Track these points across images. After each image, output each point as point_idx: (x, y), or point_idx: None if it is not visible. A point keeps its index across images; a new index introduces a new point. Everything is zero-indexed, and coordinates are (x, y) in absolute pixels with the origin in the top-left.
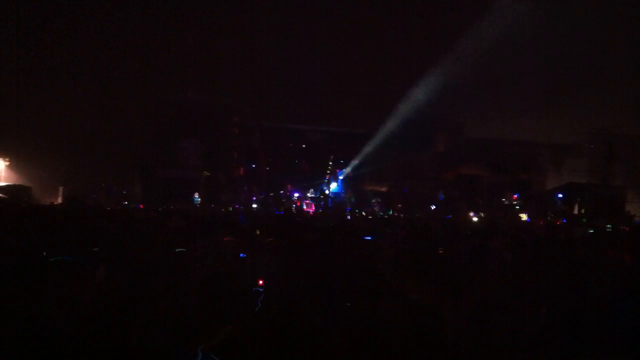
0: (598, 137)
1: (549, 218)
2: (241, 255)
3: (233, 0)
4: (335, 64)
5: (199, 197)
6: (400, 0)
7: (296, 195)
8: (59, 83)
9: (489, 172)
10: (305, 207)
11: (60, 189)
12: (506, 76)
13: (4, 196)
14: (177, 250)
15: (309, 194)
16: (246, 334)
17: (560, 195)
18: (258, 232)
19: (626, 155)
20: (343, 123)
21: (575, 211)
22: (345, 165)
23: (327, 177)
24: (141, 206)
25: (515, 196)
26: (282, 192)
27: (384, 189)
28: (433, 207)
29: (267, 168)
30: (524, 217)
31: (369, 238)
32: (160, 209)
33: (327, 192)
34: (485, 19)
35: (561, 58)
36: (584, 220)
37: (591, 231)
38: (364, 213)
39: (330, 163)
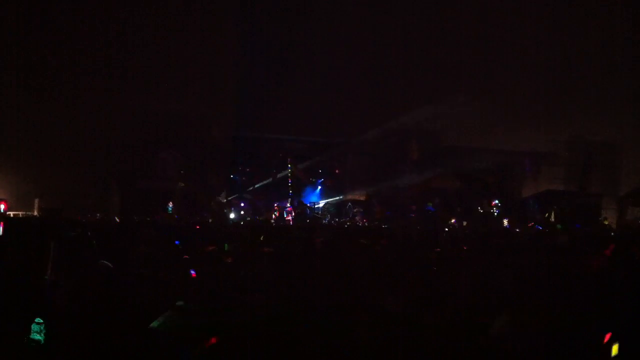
0: (574, 145)
1: (528, 225)
2: None
3: (208, 8)
4: (313, 73)
5: (172, 207)
6: (377, 8)
7: (275, 204)
8: (35, 93)
9: (464, 180)
10: (285, 215)
11: (36, 200)
12: (484, 84)
13: None
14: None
15: (287, 204)
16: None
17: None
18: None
19: (602, 162)
20: (322, 132)
21: (552, 219)
22: (323, 175)
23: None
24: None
25: (494, 202)
26: (259, 201)
27: (363, 198)
28: (412, 216)
29: (244, 178)
30: (504, 223)
31: None
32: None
33: (305, 202)
34: (461, 27)
35: (538, 66)
36: (559, 226)
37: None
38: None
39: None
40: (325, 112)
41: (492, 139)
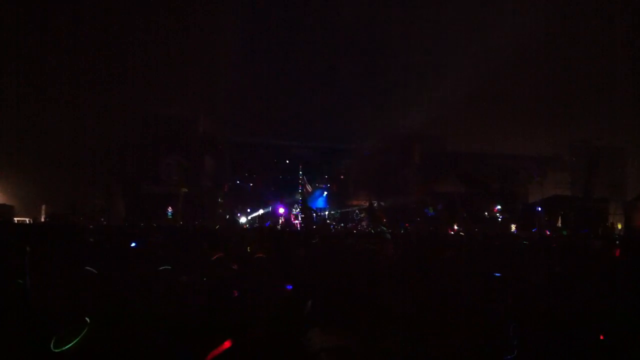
0: (579, 149)
1: (535, 230)
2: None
3: (211, 10)
4: (317, 79)
5: (172, 212)
6: (381, 11)
7: (281, 210)
8: (40, 98)
9: (467, 184)
10: (293, 219)
11: (43, 207)
12: (489, 89)
13: None
14: (161, 268)
15: (294, 209)
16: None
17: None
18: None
19: (607, 166)
20: (329, 138)
21: (559, 224)
22: (330, 180)
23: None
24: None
25: (497, 208)
26: (267, 207)
27: (368, 203)
28: (417, 220)
29: (251, 184)
30: (512, 228)
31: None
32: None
33: (311, 207)
34: (464, 31)
35: (543, 69)
36: (564, 232)
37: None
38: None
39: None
40: (329, 117)
41: (496, 144)
